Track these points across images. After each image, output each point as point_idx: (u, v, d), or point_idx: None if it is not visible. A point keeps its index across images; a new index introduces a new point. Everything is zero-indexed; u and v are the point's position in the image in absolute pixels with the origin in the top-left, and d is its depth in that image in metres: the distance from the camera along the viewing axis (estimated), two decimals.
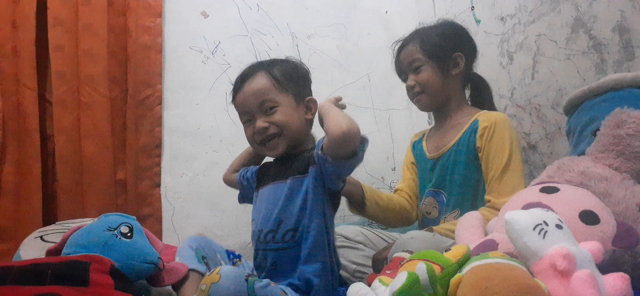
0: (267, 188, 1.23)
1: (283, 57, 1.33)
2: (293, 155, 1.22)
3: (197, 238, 1.27)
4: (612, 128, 1.06)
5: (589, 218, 0.89)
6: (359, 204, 1.53)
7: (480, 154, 1.39)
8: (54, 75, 1.89)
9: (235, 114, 2.17)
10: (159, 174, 2.04)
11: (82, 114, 1.91)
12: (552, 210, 0.86)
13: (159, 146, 2.05)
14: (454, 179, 1.45)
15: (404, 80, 1.59)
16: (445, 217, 1.46)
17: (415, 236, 1.19)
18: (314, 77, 2.30)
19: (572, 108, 1.26)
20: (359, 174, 2.28)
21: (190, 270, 1.16)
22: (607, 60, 1.40)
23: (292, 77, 1.26)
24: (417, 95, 1.52)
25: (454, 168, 1.45)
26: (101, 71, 1.94)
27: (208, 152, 2.14)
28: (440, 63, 1.49)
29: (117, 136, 1.99)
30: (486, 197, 1.35)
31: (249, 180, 1.34)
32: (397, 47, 1.59)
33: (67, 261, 0.95)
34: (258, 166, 1.36)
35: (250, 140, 1.27)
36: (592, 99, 1.19)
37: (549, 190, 0.99)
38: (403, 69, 1.56)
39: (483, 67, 1.95)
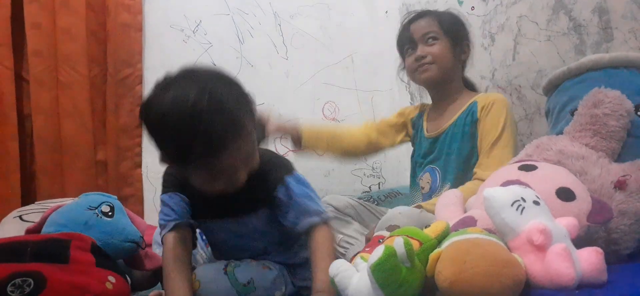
0: (229, 223, 1.07)
1: None
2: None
3: None
4: (589, 108, 1.08)
5: (565, 194, 0.91)
6: (296, 142, 1.61)
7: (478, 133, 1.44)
8: (31, 53, 1.85)
9: None
10: (139, 154, 2.02)
11: (60, 94, 1.87)
12: (529, 187, 0.88)
13: (139, 126, 2.03)
14: (449, 157, 1.49)
15: (404, 53, 1.58)
16: (438, 192, 1.50)
17: (402, 211, 1.21)
18: (296, 57, 2.31)
19: (551, 89, 1.28)
20: None
21: None
22: (587, 41, 1.42)
23: None
24: (426, 65, 1.51)
25: (451, 146, 1.48)
26: (80, 50, 1.91)
27: None
28: (454, 43, 1.51)
29: (97, 116, 1.97)
30: (474, 170, 1.39)
31: (182, 208, 1.06)
32: (408, 18, 1.59)
33: (47, 238, 0.94)
34: (179, 193, 1.07)
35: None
36: (571, 79, 1.21)
37: (527, 168, 1.01)
38: (413, 39, 1.54)
39: None
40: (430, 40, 1.50)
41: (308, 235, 1.00)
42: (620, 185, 0.97)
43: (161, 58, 2.10)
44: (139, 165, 2.01)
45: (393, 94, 2.42)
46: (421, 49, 1.51)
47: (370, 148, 1.70)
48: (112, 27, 1.98)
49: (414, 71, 1.54)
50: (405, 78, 1.67)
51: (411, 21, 1.56)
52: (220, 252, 1.14)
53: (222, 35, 2.19)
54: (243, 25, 2.23)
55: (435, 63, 1.50)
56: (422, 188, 1.57)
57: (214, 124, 0.86)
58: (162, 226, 1.03)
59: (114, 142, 1.96)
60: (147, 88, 2.06)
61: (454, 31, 1.52)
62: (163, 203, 1.06)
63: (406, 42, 1.57)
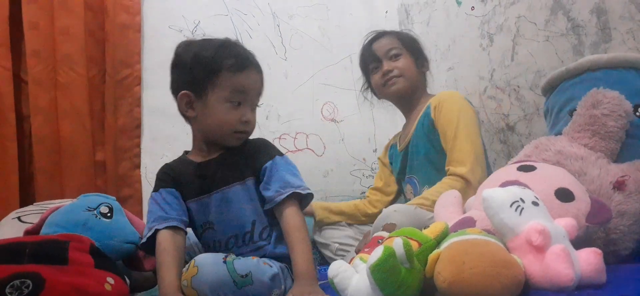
0: (219, 193, 1.12)
1: None
2: (234, 154, 1.15)
3: None
4: (588, 108, 1.08)
5: (564, 195, 0.91)
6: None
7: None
8: (29, 54, 1.84)
9: None
10: (138, 155, 2.02)
11: (59, 94, 1.87)
12: (528, 188, 0.88)
13: (138, 126, 2.03)
14: (420, 162, 1.55)
15: (369, 72, 1.69)
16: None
17: (398, 209, 1.24)
18: (296, 58, 2.31)
19: (550, 89, 1.28)
20: (341, 156, 2.30)
21: None
22: (585, 42, 1.42)
23: None
24: (394, 78, 1.60)
25: (418, 153, 1.55)
26: (78, 50, 1.90)
27: (188, 133, 2.08)
28: (415, 56, 1.63)
29: (96, 117, 1.96)
30: (446, 168, 1.43)
31: (171, 205, 1.11)
32: (369, 38, 1.69)
33: (45, 240, 0.94)
34: (168, 188, 1.13)
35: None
36: (569, 79, 1.21)
37: (526, 169, 1.01)
38: (377, 56, 1.63)
39: (464, 49, 1.97)
40: (393, 56, 1.60)
41: (281, 214, 1.07)
42: (619, 186, 0.97)
43: (160, 59, 2.08)
44: (138, 166, 2.01)
45: None
46: (387, 65, 1.60)
47: (381, 206, 1.71)
48: (110, 28, 1.98)
49: (382, 85, 1.63)
50: (369, 96, 1.78)
51: (373, 41, 1.66)
52: (212, 235, 1.13)
53: (220, 35, 2.17)
54: (241, 25, 2.23)
55: (402, 76, 1.59)
56: (408, 200, 1.61)
57: (243, 48, 1.16)
58: (149, 228, 1.06)
59: (112, 143, 1.96)
60: (146, 89, 2.07)
61: (413, 46, 1.64)
62: (154, 200, 1.11)
63: (370, 60, 1.66)
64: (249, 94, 1.13)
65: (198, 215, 1.13)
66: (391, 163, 1.75)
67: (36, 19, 1.86)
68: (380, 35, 1.67)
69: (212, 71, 1.09)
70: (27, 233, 1.18)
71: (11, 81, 1.81)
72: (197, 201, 1.12)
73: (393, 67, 1.60)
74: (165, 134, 2.08)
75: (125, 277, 1.01)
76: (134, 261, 1.23)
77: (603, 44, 1.36)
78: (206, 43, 1.14)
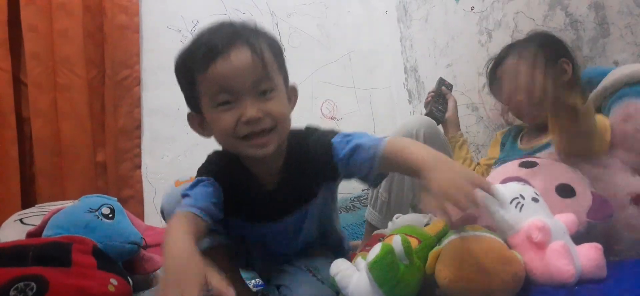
0: (282, 222, 0.99)
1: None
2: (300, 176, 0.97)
3: None
4: (618, 124, 1.03)
5: (565, 191, 0.91)
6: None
7: None
8: (28, 56, 1.85)
9: None
10: (139, 156, 2.02)
11: (58, 96, 1.87)
12: (529, 184, 0.88)
13: (138, 127, 2.03)
14: None
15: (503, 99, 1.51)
16: None
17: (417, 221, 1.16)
18: (294, 56, 2.31)
19: None
20: None
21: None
22: (583, 37, 1.43)
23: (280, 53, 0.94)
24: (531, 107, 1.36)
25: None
26: (77, 52, 1.91)
27: (188, 133, 2.06)
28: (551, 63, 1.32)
29: (96, 118, 1.97)
30: None
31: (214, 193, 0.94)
32: (491, 66, 1.48)
33: (48, 242, 0.94)
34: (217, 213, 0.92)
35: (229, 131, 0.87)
36: (608, 98, 1.13)
37: (528, 165, 1.01)
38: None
39: (462, 45, 1.97)
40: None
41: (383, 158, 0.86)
42: (636, 200, 0.93)
43: (159, 59, 2.10)
44: (139, 166, 2.01)
45: (391, 92, 2.43)
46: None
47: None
48: (109, 29, 1.98)
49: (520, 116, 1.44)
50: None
51: (498, 66, 1.44)
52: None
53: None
54: None
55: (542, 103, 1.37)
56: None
57: (217, 30, 0.88)
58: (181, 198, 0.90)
59: (113, 144, 1.96)
60: (146, 89, 2.07)
61: (546, 55, 1.37)
62: (197, 184, 0.94)
63: (498, 90, 1.47)
64: (235, 86, 0.84)
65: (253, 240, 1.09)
66: (502, 146, 1.55)
67: (35, 21, 1.86)
68: (503, 57, 1.41)
69: (189, 78, 0.87)
70: (30, 235, 1.18)
71: (11, 83, 1.82)
72: (255, 226, 1.03)
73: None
74: (165, 134, 2.08)
75: (128, 277, 1.01)
76: (133, 265, 1.23)
77: (601, 39, 1.37)
78: (183, 48, 0.91)
